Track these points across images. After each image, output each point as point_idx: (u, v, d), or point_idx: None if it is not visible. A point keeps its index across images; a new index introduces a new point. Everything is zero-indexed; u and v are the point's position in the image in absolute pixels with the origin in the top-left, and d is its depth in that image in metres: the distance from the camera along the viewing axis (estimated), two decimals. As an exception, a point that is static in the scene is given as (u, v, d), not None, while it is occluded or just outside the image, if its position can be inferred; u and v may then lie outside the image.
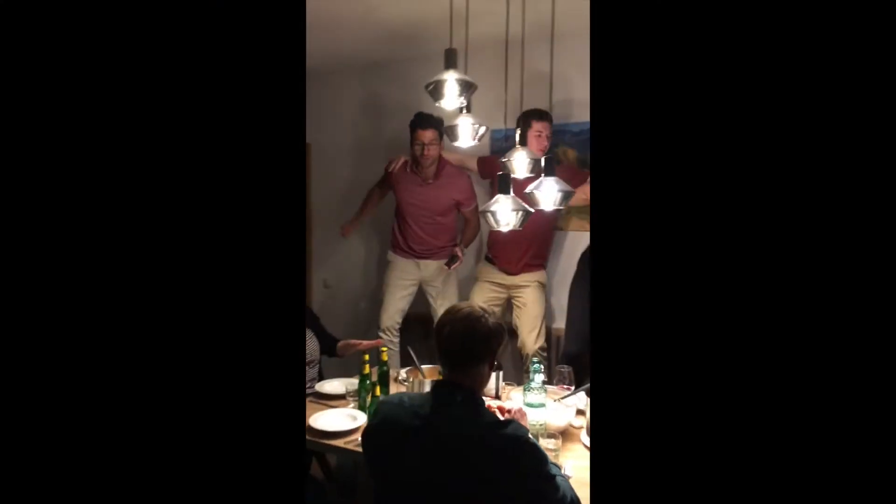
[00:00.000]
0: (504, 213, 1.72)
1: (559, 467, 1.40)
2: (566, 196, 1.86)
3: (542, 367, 1.87)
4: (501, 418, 1.25)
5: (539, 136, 2.53)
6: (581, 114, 2.80)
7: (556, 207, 1.89)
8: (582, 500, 1.25)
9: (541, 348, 2.79)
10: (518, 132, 2.08)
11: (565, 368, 2.15)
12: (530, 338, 2.78)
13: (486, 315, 1.33)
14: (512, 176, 2.06)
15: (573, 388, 2.05)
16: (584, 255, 2.73)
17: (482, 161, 2.84)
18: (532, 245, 2.72)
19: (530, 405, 1.78)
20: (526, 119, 2.48)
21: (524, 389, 1.85)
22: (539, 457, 1.19)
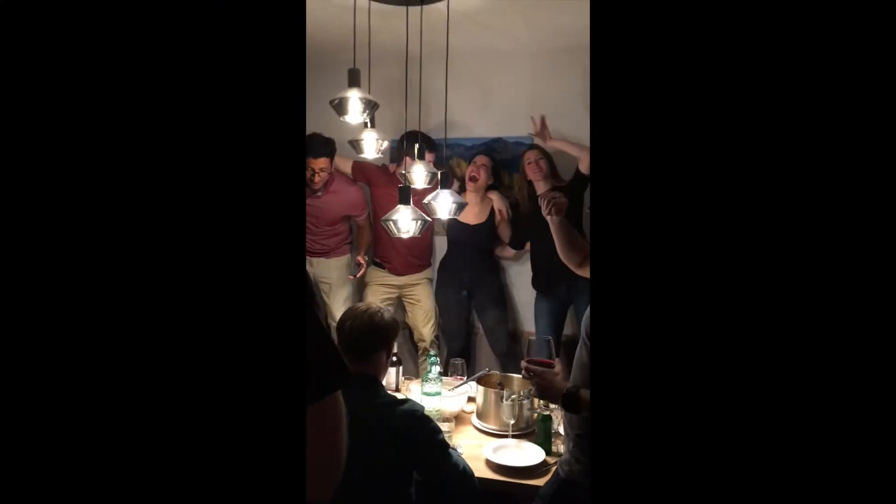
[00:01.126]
0: (405, 222, 1.90)
1: (455, 448, 1.61)
2: (460, 207, 2.09)
3: (438, 359, 2.07)
4: (396, 398, 1.44)
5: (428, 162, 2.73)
6: (474, 131, 3.05)
7: (451, 217, 2.10)
8: (476, 466, 1.47)
9: (436, 337, 3.02)
10: (416, 147, 2.27)
11: (458, 361, 2.38)
12: (426, 330, 2.99)
13: (382, 311, 1.54)
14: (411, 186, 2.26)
15: (465, 378, 2.29)
16: (441, 261, 3.01)
17: (356, 166, 2.99)
18: (413, 249, 2.94)
19: (427, 394, 1.98)
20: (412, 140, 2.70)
21: (422, 380, 2.05)
22: (432, 428, 1.39)
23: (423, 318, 3.00)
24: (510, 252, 2.98)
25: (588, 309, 1.31)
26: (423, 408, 1.42)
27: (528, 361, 1.37)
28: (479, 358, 3.15)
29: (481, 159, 2.84)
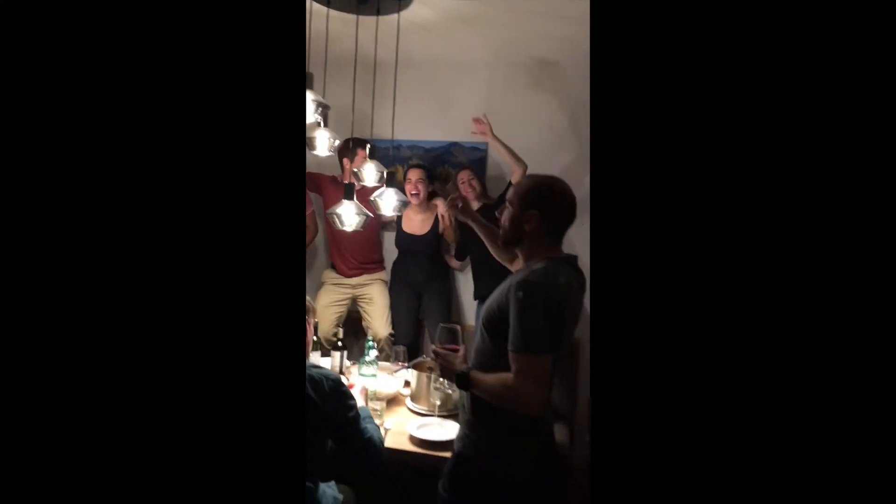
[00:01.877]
0: (348, 216, 2.07)
1: (377, 424, 1.78)
2: (404, 205, 2.26)
3: (374, 344, 2.24)
4: (319, 367, 1.58)
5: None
6: (432, 134, 3.22)
7: (394, 214, 2.27)
8: (401, 441, 1.62)
9: (390, 334, 3.17)
10: (366, 148, 2.44)
11: (400, 348, 2.55)
12: (381, 327, 3.14)
13: None
14: (361, 184, 2.43)
15: (406, 363, 2.46)
16: (393, 265, 3.13)
17: (308, 176, 3.09)
18: (362, 250, 3.09)
19: (363, 375, 2.15)
20: (355, 145, 2.84)
21: (359, 363, 2.22)
22: (342, 392, 1.51)
23: (379, 317, 3.10)
24: (456, 263, 3.13)
25: (488, 301, 1.46)
26: (338, 377, 1.56)
27: (437, 346, 1.52)
28: (427, 353, 3.31)
29: (413, 174, 2.92)
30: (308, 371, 1.48)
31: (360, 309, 3.17)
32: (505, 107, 3.09)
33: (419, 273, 3.02)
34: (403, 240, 3.03)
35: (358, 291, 3.14)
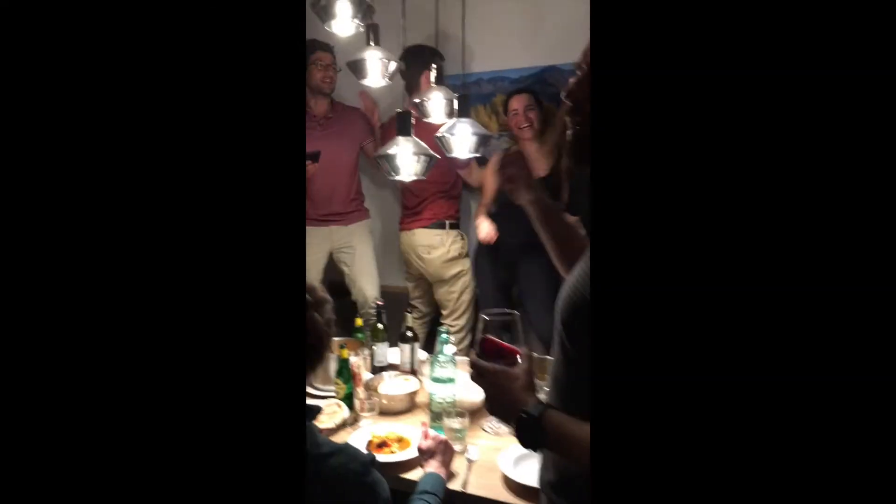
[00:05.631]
0: (405, 159, 1.46)
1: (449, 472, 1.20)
2: (483, 140, 1.62)
3: (450, 337, 1.64)
4: (334, 447, 1.02)
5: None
6: (521, 59, 2.52)
7: (472, 155, 1.64)
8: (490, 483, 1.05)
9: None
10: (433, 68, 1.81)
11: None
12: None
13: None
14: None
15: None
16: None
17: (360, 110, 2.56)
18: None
19: (437, 380, 1.56)
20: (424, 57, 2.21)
21: (431, 363, 1.63)
22: (367, 492, 0.99)
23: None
24: (571, 219, 2.40)
25: (570, 282, 0.82)
26: (366, 458, 1.02)
27: (480, 352, 0.87)
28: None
29: (517, 101, 2.29)
30: (327, 458, 0.97)
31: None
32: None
33: (521, 233, 2.32)
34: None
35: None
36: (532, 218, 1.11)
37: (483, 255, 2.50)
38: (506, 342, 0.84)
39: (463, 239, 2.57)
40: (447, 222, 2.51)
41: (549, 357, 1.20)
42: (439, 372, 1.57)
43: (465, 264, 2.56)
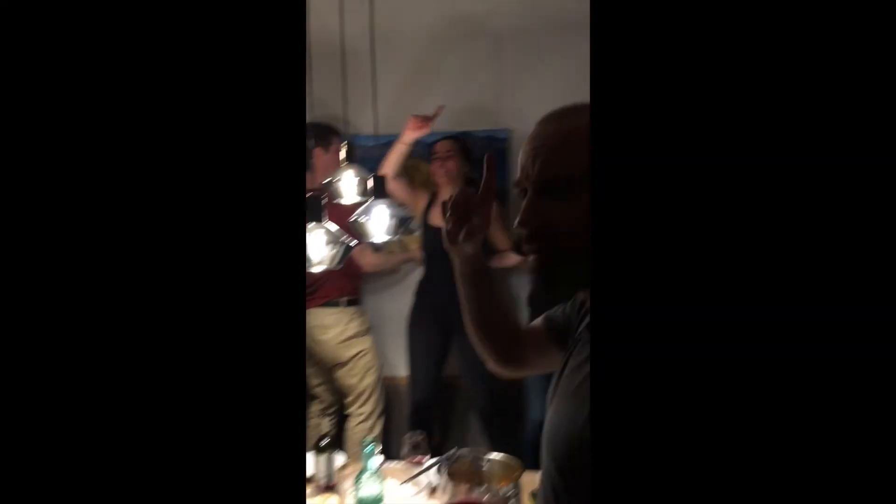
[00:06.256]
0: (317, 249, 1.29)
1: None
2: (403, 222, 1.48)
3: (375, 448, 1.43)
4: None
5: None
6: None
7: (389, 239, 1.50)
8: None
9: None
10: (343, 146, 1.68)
11: (419, 435, 1.72)
12: (365, 383, 2.34)
13: None
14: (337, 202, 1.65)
15: (427, 458, 1.63)
16: (418, 287, 2.38)
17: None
18: (337, 284, 2.29)
19: (363, 501, 1.34)
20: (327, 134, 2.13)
21: (355, 480, 1.41)
22: None
23: (361, 372, 2.33)
24: (512, 259, 2.21)
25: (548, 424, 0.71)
26: None
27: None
28: (453, 418, 2.52)
29: (443, 146, 2.24)
30: None
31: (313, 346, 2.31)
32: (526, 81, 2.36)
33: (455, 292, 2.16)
34: (432, 241, 2.15)
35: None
36: (457, 274, 0.91)
37: (417, 322, 2.34)
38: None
39: (363, 315, 2.37)
40: (345, 299, 2.31)
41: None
42: (365, 490, 1.35)
43: (366, 343, 2.34)
